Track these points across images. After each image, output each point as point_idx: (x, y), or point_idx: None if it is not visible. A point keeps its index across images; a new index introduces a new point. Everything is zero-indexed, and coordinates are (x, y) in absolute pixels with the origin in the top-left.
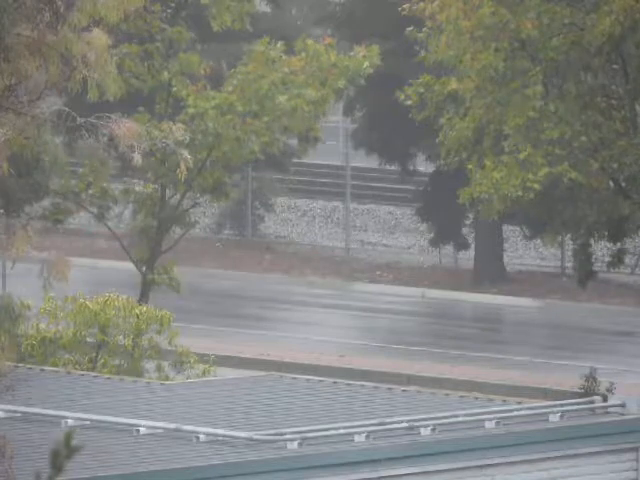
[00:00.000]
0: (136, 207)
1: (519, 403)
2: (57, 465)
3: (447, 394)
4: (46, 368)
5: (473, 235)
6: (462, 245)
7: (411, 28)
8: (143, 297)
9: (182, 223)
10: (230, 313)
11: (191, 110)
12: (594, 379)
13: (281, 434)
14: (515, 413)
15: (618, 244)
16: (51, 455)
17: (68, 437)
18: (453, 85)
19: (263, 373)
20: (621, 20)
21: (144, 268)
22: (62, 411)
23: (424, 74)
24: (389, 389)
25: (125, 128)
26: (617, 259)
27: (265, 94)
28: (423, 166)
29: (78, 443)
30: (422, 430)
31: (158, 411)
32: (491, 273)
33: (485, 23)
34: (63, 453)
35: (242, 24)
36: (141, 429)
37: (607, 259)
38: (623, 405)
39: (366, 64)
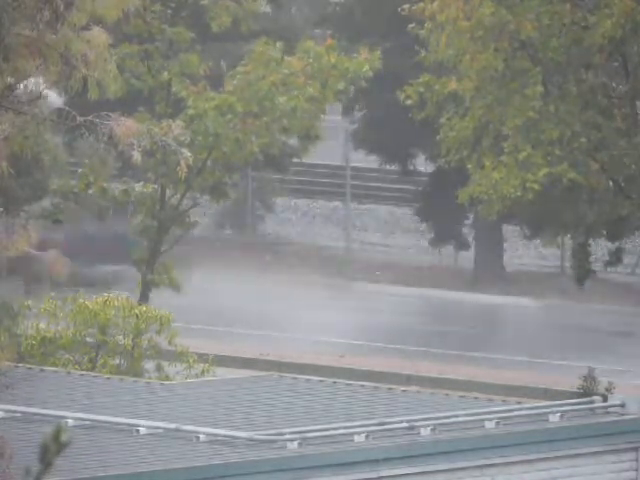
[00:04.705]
0: (136, 207)
1: (519, 403)
2: (46, 461)
3: (447, 394)
4: (46, 368)
5: (473, 235)
6: (462, 245)
7: (413, 25)
8: (143, 297)
9: (182, 223)
10: (230, 313)
11: (191, 111)
12: (593, 379)
13: (281, 434)
14: (515, 413)
15: (617, 243)
16: (40, 450)
17: (57, 432)
18: (453, 85)
19: (263, 373)
20: (622, 23)
21: (144, 268)
22: (62, 411)
23: (424, 74)
24: (389, 389)
25: (125, 127)
26: (615, 258)
27: (265, 95)
28: (423, 166)
29: (67, 438)
30: (422, 430)
31: (158, 411)
32: (491, 273)
33: (485, 23)
34: (52, 449)
35: (246, 25)
36: (141, 429)
37: (606, 258)
38: (623, 405)
39: (366, 67)
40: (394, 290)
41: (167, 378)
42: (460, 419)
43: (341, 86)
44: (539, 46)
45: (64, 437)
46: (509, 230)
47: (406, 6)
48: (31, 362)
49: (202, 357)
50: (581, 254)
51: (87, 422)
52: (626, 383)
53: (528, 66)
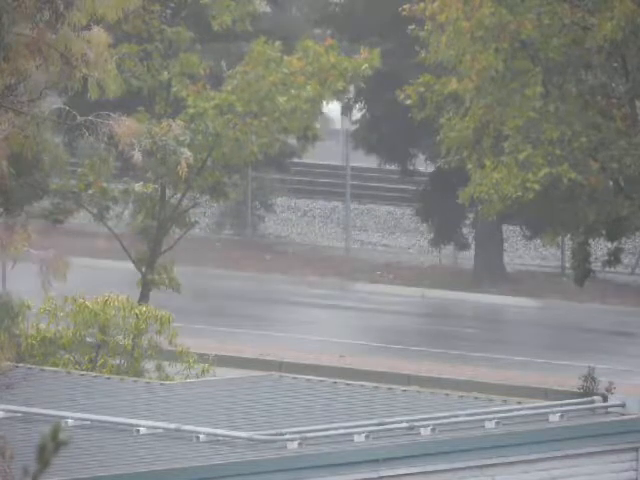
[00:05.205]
0: (136, 207)
1: (519, 403)
2: (44, 460)
3: (447, 394)
4: (46, 368)
5: (473, 235)
6: (462, 245)
7: (413, 26)
8: (143, 297)
9: (182, 223)
10: (230, 313)
11: (191, 111)
12: (593, 379)
13: (281, 434)
14: (515, 413)
15: (616, 243)
16: (38, 450)
17: (55, 431)
18: (453, 85)
19: (263, 373)
20: (622, 25)
21: (144, 268)
22: (62, 411)
23: (424, 74)
24: (389, 389)
25: (125, 126)
26: (614, 258)
27: (265, 95)
28: (423, 166)
29: (65, 437)
30: (422, 430)
31: (158, 411)
32: (491, 273)
33: (485, 24)
34: (50, 448)
35: (244, 25)
36: (141, 429)
37: (606, 258)
38: (623, 405)
39: (365, 66)
40: (394, 290)
41: (167, 378)
42: (460, 419)
43: (340, 86)
44: (539, 46)
45: (62, 436)
46: (509, 230)
47: (406, 6)
48: (31, 362)
49: (202, 357)
50: (581, 254)
51: (87, 422)
52: (626, 383)
53: (528, 66)
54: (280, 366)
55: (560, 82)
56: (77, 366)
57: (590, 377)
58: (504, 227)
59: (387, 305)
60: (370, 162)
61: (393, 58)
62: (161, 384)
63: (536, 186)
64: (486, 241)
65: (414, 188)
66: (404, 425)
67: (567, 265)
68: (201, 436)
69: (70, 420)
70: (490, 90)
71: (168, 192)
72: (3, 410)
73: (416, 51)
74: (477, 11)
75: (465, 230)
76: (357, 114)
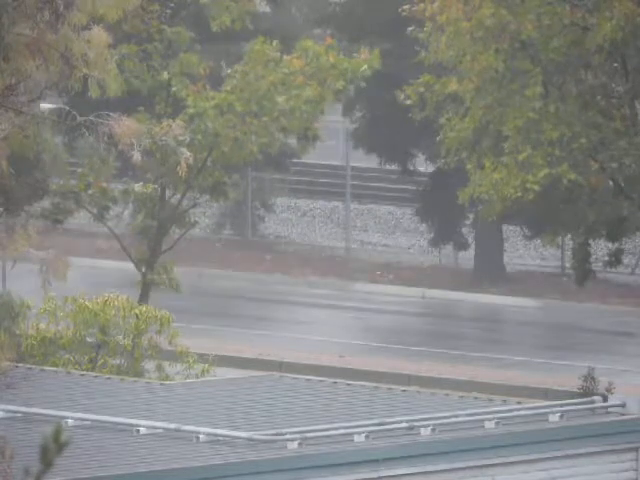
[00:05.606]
0: (136, 207)
1: (519, 403)
2: (46, 461)
3: (447, 394)
4: (46, 368)
5: (473, 235)
6: (462, 245)
7: (412, 28)
8: (143, 297)
9: (182, 223)
10: (230, 313)
11: (191, 111)
12: (593, 379)
13: (281, 434)
14: (515, 413)
15: (616, 244)
16: (40, 451)
17: (57, 433)
18: (453, 86)
19: (263, 373)
20: (622, 25)
21: (144, 268)
22: (62, 411)
23: (424, 74)
24: (389, 389)
25: (125, 126)
26: (615, 259)
27: (264, 95)
28: (423, 166)
29: (67, 438)
30: (422, 430)
31: (158, 411)
32: (491, 273)
33: (485, 24)
34: (52, 449)
35: (242, 24)
36: (141, 429)
37: (607, 259)
38: (623, 405)
39: (364, 67)
40: (394, 290)
41: (167, 378)
42: (460, 419)
43: (340, 85)
44: (539, 46)
45: (63, 437)
46: (509, 230)
47: (406, 7)
48: (31, 362)
49: (202, 357)
50: (581, 254)
51: (87, 422)
52: (626, 383)
53: (528, 67)
54: (280, 366)
55: (560, 82)
56: (77, 366)
57: (590, 377)
58: (504, 227)
59: (387, 305)
60: (370, 162)
61: (393, 58)
62: (161, 384)
63: (536, 187)
64: (486, 241)
65: (414, 188)
66: (404, 425)
67: (567, 265)
68: (201, 436)
69: (70, 420)
70: (490, 90)
71: (168, 192)
72: (3, 410)
73: (416, 51)
74: (477, 12)
75: (465, 230)
76: (357, 114)
